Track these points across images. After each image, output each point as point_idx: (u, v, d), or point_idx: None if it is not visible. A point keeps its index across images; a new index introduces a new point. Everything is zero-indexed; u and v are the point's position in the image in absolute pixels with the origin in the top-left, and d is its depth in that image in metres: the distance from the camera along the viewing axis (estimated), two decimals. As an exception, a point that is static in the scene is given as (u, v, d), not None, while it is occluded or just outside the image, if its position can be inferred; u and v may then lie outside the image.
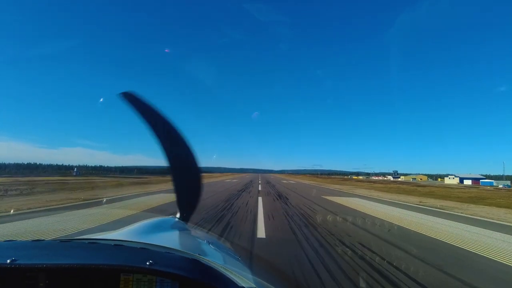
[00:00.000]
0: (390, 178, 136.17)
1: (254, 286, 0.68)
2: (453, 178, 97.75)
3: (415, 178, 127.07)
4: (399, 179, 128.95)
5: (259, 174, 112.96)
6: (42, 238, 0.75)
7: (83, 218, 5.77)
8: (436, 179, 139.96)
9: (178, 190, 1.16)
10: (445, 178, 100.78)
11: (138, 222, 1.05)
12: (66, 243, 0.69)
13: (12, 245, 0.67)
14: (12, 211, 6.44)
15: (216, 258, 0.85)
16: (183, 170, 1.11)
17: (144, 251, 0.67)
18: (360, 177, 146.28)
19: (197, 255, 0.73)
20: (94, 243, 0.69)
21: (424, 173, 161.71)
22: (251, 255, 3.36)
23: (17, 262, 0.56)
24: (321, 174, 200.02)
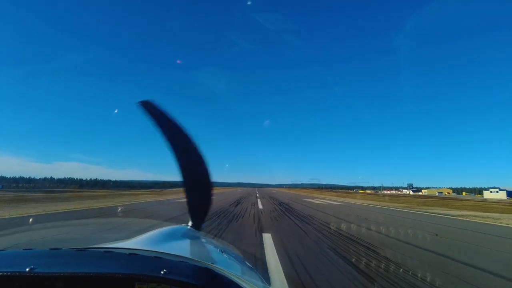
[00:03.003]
0: (408, 192, 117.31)
1: None
2: (497, 191, 79.05)
3: (441, 192, 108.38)
4: (419, 193, 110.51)
5: (256, 188, 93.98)
6: (59, 247, 0.72)
7: None
8: (460, 193, 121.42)
9: (190, 199, 1.17)
10: (485, 191, 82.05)
11: (152, 231, 1.05)
12: (83, 252, 0.70)
13: (30, 254, 0.68)
14: None
15: (229, 267, 0.83)
16: (195, 181, 1.12)
17: (158, 260, 0.67)
18: (368, 191, 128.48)
19: (210, 264, 0.72)
20: (109, 251, 0.71)
21: (430, 186, 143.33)
22: (264, 264, 2.92)
23: (36, 270, 0.57)
24: (324, 188, 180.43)
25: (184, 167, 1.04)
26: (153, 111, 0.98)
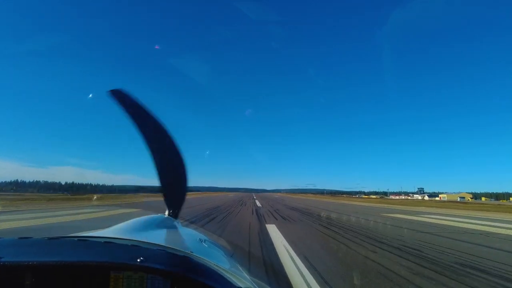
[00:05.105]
0: (422, 197, 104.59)
1: (249, 284, 0.68)
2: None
3: (463, 197, 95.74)
4: (436, 198, 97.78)
5: (252, 193, 79.76)
6: (29, 236, 0.68)
7: None
8: (479, 198, 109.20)
9: (165, 188, 1.19)
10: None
11: (130, 220, 1.05)
12: (55, 241, 0.66)
13: None
14: None
15: (209, 256, 0.81)
16: (170, 170, 1.14)
17: (135, 248, 0.65)
18: (373, 197, 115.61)
19: (189, 252, 0.70)
20: (83, 240, 0.69)
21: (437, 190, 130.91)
22: (244, 253, 2.81)
23: (2, 260, 0.54)
24: (326, 193, 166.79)
25: (158, 156, 1.04)
26: (124, 100, 0.96)
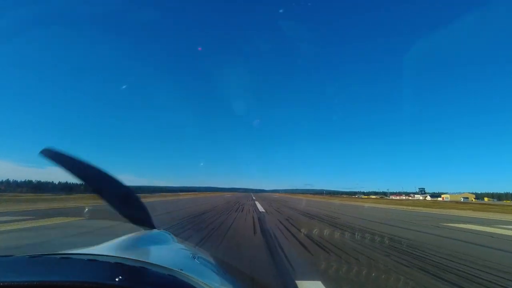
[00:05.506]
0: (424, 197, 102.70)
1: None
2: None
3: (467, 198, 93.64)
4: (439, 198, 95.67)
5: (251, 193, 76.94)
6: (10, 254, 0.64)
7: None
8: (482, 198, 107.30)
9: (125, 213, 1.18)
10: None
11: (125, 236, 1.04)
12: (35, 259, 0.62)
13: None
14: None
15: (200, 274, 0.79)
16: (121, 196, 1.17)
17: (118, 266, 0.62)
18: (373, 197, 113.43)
19: (177, 270, 0.67)
20: (66, 258, 0.65)
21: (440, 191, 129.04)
22: (239, 271, 2.47)
23: None
24: (326, 194, 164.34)
25: (108, 193, 1.11)
26: (57, 157, 1.00)
